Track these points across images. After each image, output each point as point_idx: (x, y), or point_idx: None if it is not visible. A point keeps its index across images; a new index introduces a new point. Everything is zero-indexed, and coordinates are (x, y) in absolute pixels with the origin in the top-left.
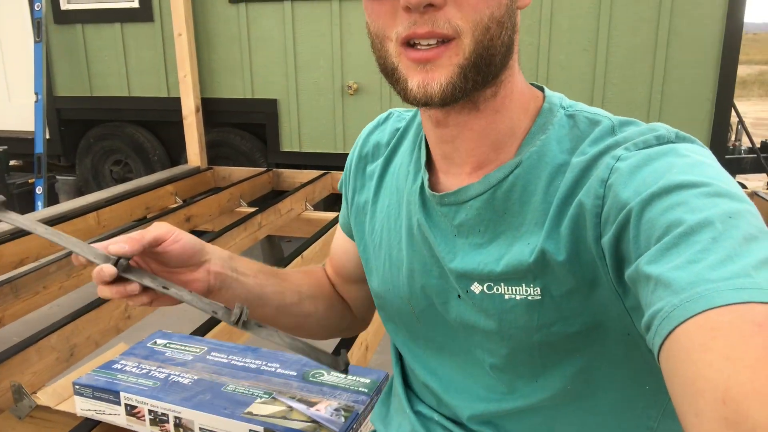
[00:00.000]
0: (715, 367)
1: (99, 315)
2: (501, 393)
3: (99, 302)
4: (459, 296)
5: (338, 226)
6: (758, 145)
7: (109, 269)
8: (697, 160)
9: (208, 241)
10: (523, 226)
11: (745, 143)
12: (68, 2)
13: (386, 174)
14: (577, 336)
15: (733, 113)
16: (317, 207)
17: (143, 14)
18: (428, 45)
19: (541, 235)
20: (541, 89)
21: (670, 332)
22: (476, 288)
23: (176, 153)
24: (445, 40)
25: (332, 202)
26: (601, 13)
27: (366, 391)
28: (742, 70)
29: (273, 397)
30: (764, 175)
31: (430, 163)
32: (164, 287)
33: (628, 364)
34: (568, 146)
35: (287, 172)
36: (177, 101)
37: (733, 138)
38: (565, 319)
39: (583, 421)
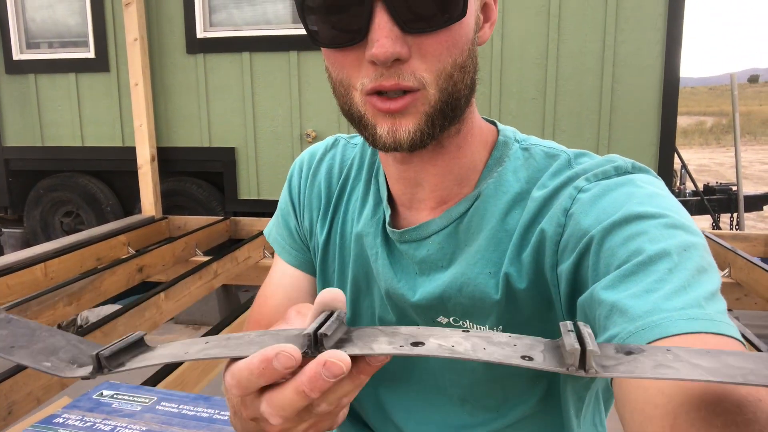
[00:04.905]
0: (666, 394)
1: None
2: (463, 422)
3: None
4: (419, 326)
5: (279, 269)
6: (701, 189)
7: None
8: (653, 191)
9: (161, 292)
10: (473, 248)
11: (690, 187)
12: (21, 52)
13: (340, 205)
14: None
15: (677, 159)
16: None
17: (99, 64)
18: (395, 94)
19: (504, 262)
20: (494, 123)
21: None
22: (442, 320)
23: (130, 203)
24: (410, 90)
25: None
26: (548, 64)
27: None
28: (683, 121)
29: None
30: (709, 216)
31: (389, 197)
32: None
33: (579, 381)
34: (524, 176)
35: (245, 220)
36: (132, 151)
37: (677, 182)
38: None
39: None
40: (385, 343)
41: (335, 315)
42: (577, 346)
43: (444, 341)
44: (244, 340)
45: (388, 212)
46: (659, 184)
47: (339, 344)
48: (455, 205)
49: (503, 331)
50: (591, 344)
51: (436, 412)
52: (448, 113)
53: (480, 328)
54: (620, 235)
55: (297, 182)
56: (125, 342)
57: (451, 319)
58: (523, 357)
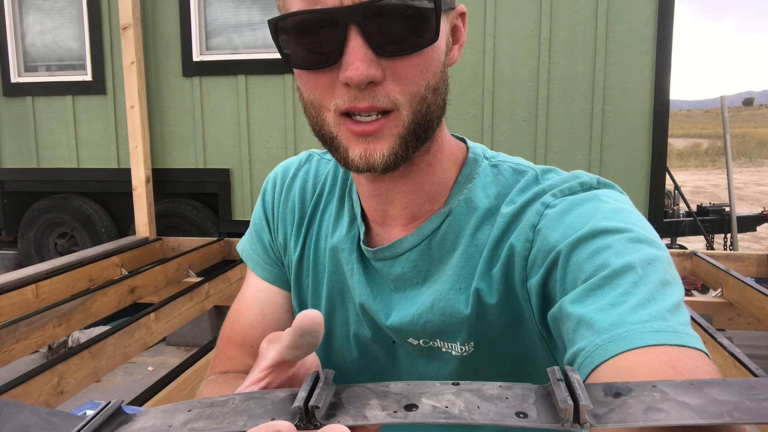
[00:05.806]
0: None
1: (27, 390)
2: None
3: (27, 376)
4: (394, 342)
5: (254, 284)
6: (695, 210)
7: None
8: (618, 206)
9: (151, 312)
10: (447, 265)
11: (683, 208)
12: (19, 75)
13: (314, 220)
14: (510, 375)
15: (670, 180)
16: None
17: (96, 87)
18: (368, 116)
19: (474, 277)
20: (463, 140)
21: (592, 370)
22: (413, 341)
23: (124, 224)
24: (384, 112)
25: None
26: (539, 86)
27: None
28: (679, 143)
29: None
30: (703, 237)
31: (362, 213)
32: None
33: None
34: (494, 192)
35: (239, 241)
36: (127, 172)
37: (671, 203)
38: (497, 360)
39: None
40: (377, 408)
41: (323, 379)
42: (570, 402)
43: (436, 401)
44: (229, 408)
45: (362, 229)
46: (624, 199)
47: (330, 410)
48: (426, 221)
49: (474, 347)
50: (583, 398)
51: (407, 428)
52: (420, 134)
53: (451, 346)
54: (586, 249)
55: (270, 197)
56: (103, 416)
57: (421, 341)
58: (517, 414)
